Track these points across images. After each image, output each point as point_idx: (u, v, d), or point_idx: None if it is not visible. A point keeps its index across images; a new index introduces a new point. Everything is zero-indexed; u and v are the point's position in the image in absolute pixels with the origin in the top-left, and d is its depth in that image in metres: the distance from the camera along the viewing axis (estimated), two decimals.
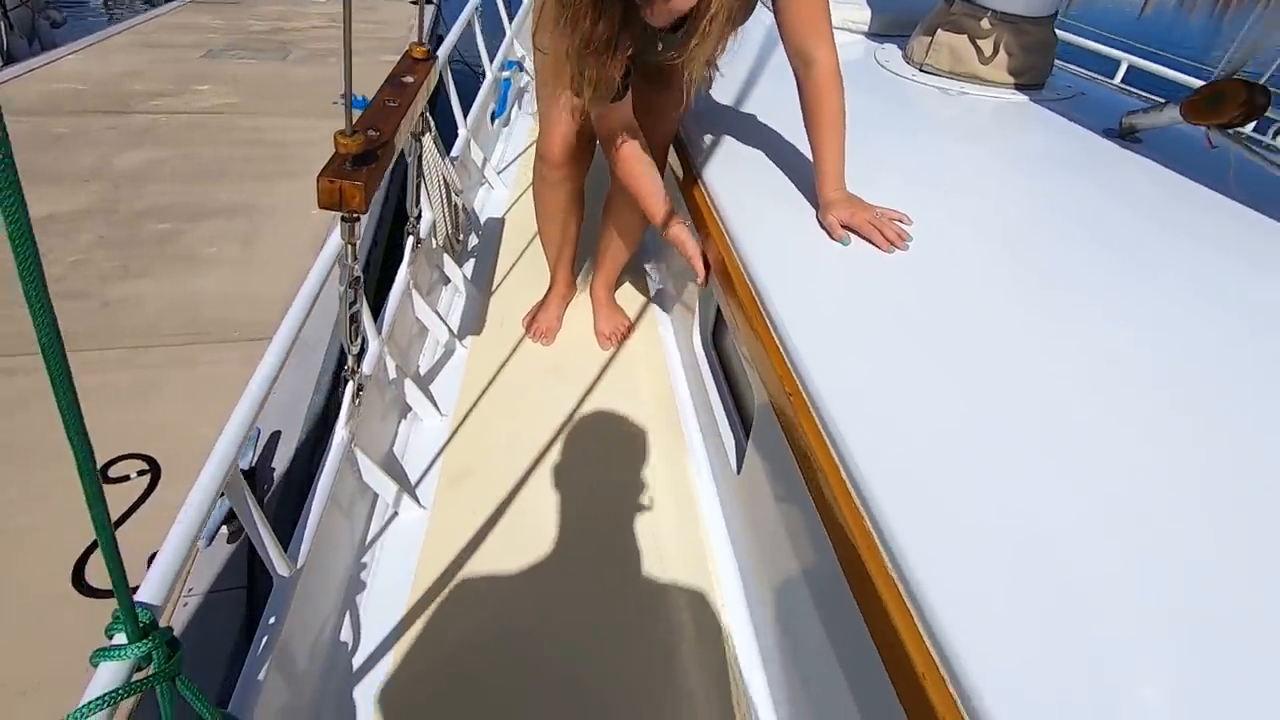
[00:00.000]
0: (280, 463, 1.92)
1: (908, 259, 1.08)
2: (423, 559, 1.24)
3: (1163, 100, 1.55)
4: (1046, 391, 0.83)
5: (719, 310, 1.48)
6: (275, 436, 2.01)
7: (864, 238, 1.13)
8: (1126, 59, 2.66)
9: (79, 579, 1.56)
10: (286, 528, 1.60)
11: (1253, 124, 1.47)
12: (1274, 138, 1.92)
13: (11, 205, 0.34)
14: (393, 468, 1.41)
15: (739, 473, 1.24)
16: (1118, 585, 0.60)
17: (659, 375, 1.68)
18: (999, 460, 0.73)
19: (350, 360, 1.18)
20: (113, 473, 1.84)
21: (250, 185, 3.50)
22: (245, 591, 1.59)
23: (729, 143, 1.49)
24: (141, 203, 3.22)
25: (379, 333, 1.40)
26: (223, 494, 0.84)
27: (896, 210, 1.17)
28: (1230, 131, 1.42)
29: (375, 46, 6.02)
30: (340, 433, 1.19)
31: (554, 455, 1.46)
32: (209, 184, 3.48)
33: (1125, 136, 1.57)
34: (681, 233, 1.30)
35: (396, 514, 1.32)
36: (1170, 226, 1.23)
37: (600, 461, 1.45)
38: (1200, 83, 1.49)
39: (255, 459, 1.88)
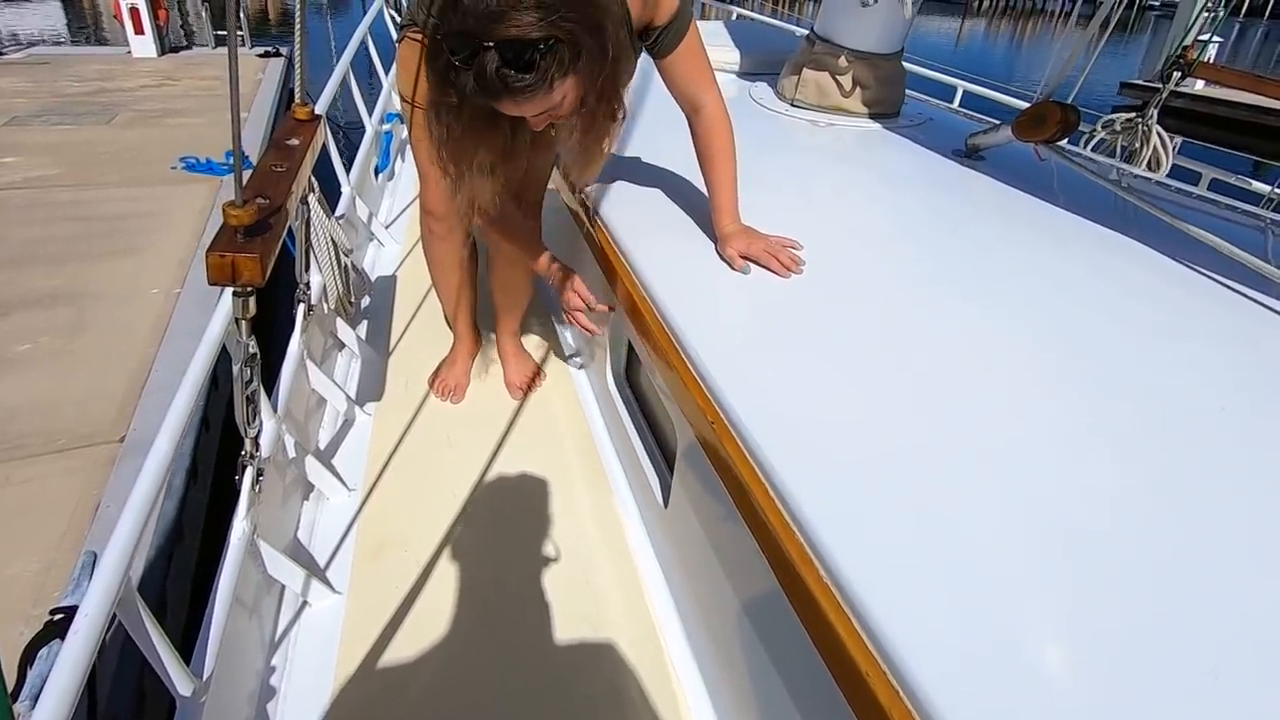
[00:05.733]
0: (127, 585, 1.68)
1: (802, 278, 1.17)
2: (343, 647, 1.14)
3: (997, 122, 1.76)
4: (942, 381, 0.93)
5: (630, 346, 1.49)
6: None
7: (762, 266, 1.18)
8: (962, 85, 3.00)
9: None
10: (134, 669, 1.37)
11: (1067, 138, 1.70)
12: (1085, 147, 2.22)
13: None
14: (300, 554, 1.29)
15: (666, 507, 1.24)
16: (1034, 568, 0.66)
17: (576, 419, 1.65)
18: (913, 455, 0.79)
19: (248, 445, 1.07)
20: None
21: (74, 268, 3.08)
22: None
23: (626, 181, 1.52)
24: None
25: (274, 410, 1.29)
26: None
27: (788, 237, 1.24)
28: (1053, 145, 1.62)
29: (216, 105, 5.66)
30: (240, 525, 1.07)
31: (474, 515, 1.39)
32: (20, 270, 3.03)
33: (970, 155, 1.75)
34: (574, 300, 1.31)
35: (308, 604, 1.21)
36: (1013, 228, 1.42)
37: (524, 514, 1.41)
38: (1024, 104, 1.69)
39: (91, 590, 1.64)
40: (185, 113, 5.46)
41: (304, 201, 1.41)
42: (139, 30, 6.90)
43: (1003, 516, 0.72)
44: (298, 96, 1.26)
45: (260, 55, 7.25)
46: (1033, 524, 0.71)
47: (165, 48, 7.31)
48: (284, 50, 7.35)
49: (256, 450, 1.10)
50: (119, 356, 2.54)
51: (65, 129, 4.94)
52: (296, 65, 1.26)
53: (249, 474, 1.09)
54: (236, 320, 0.96)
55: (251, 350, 1.00)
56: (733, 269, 1.20)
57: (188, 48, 7.79)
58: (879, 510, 0.72)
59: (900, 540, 0.69)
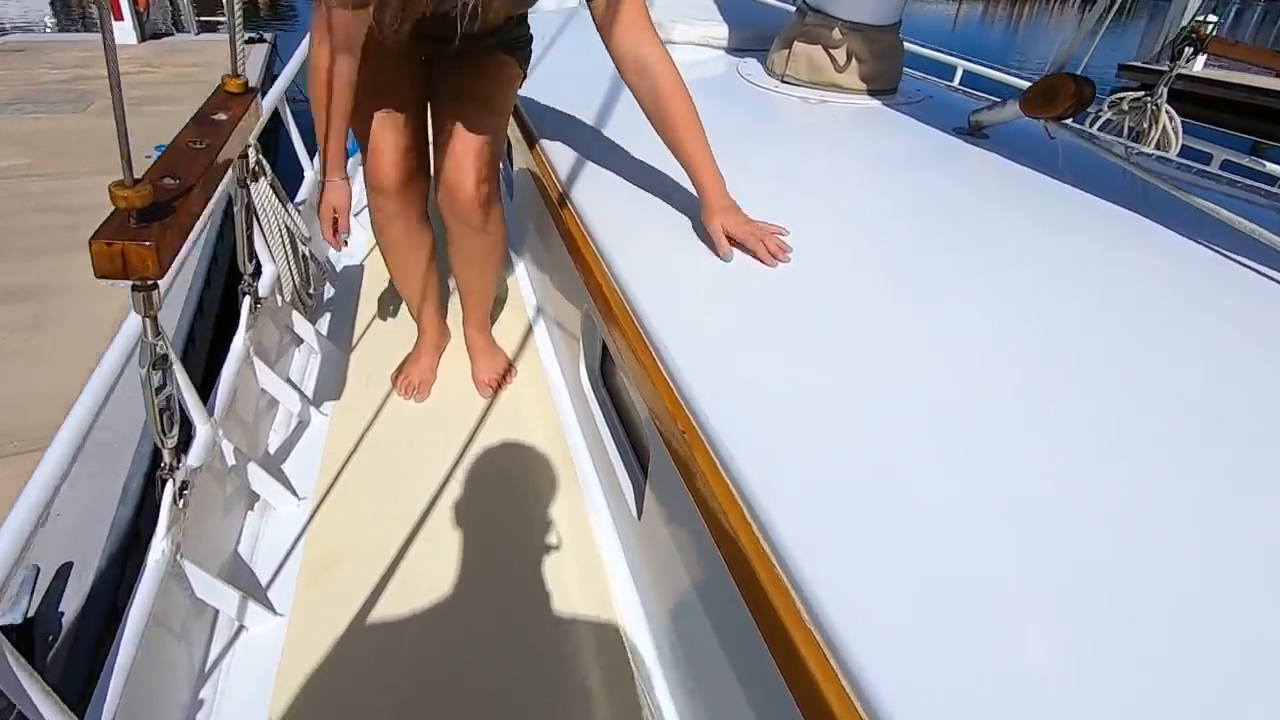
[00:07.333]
0: (73, 603, 1.57)
1: (788, 270, 1.06)
2: (280, 676, 1.04)
3: (1001, 99, 1.63)
4: (929, 381, 0.83)
5: (605, 344, 1.38)
6: (65, 570, 1.65)
7: (748, 250, 1.08)
8: (961, 64, 2.87)
9: None
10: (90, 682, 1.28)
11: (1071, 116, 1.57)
12: (1091, 126, 2.10)
13: None
14: (239, 572, 1.18)
15: (639, 519, 1.14)
16: (1020, 581, 0.59)
17: (548, 419, 1.54)
18: (912, 475, 0.70)
19: (166, 456, 0.96)
20: None
21: (40, 261, 2.96)
22: None
23: (601, 163, 1.41)
24: None
25: (210, 415, 1.17)
26: None
27: (775, 224, 1.13)
28: (1064, 122, 1.51)
29: (197, 91, 5.51)
30: (159, 546, 0.96)
31: (436, 524, 1.28)
32: None
33: (973, 133, 1.63)
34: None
35: (245, 628, 1.10)
36: (1017, 212, 1.30)
37: (489, 525, 1.30)
38: (1029, 84, 1.57)
39: (32, 607, 1.52)
40: (165, 100, 5.31)
41: (243, 184, 1.29)
42: (118, 16, 6.73)
43: (1005, 542, 0.63)
44: (230, 66, 1.14)
45: (245, 42, 7.08)
46: (1036, 549, 0.62)
47: (146, 34, 7.14)
48: (267, 36, 7.20)
49: (178, 462, 0.98)
50: (83, 354, 2.42)
51: (39, 118, 4.80)
52: (231, 31, 1.14)
53: (169, 489, 0.97)
54: (142, 318, 0.84)
55: (160, 351, 0.88)
56: (716, 249, 1.09)
57: (170, 34, 7.62)
58: (867, 540, 0.63)
59: (897, 580, 0.59)
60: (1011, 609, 0.57)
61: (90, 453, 2.17)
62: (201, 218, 1.28)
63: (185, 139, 0.95)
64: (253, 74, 6.00)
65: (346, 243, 1.35)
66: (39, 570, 1.69)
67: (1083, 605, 0.57)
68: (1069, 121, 1.53)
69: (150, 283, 0.80)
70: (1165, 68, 3.00)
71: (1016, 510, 0.66)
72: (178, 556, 0.99)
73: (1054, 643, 0.54)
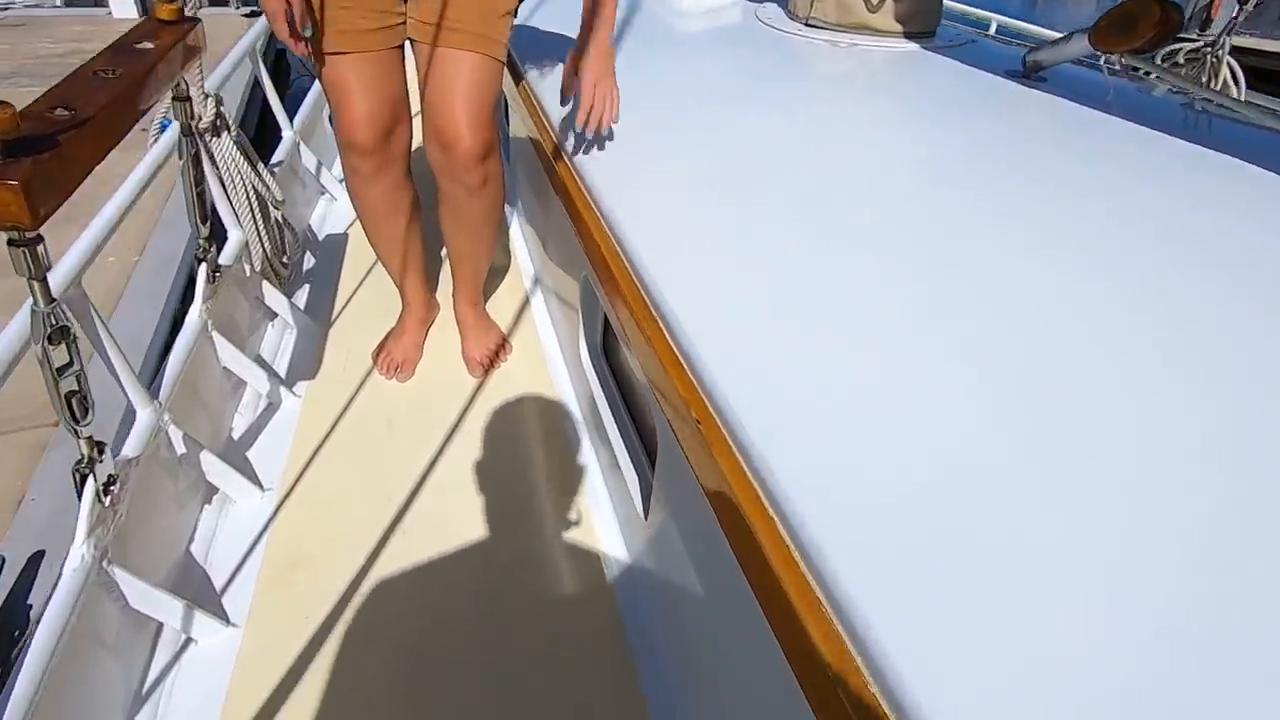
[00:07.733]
0: (42, 594, 1.46)
1: (821, 232, 0.89)
2: (232, 695, 0.91)
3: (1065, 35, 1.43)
4: (993, 361, 0.67)
5: (606, 317, 1.22)
6: (36, 559, 1.54)
7: (577, 99, 1.09)
8: (995, 18, 2.63)
9: None
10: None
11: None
12: (1160, 61, 1.87)
13: None
14: (188, 579, 1.05)
15: (646, 517, 0.99)
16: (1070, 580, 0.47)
17: (546, 403, 1.38)
18: (968, 465, 0.56)
19: (82, 447, 0.81)
20: None
21: None
22: None
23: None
24: None
25: (153, 397, 1.03)
26: None
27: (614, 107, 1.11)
28: (1143, 58, 1.30)
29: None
30: (78, 552, 0.82)
31: (417, 519, 1.14)
32: None
33: (1030, 75, 1.43)
34: None
35: (191, 641, 0.96)
36: (1089, 165, 1.11)
37: (479, 520, 1.15)
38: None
39: None
40: None
41: (189, 133, 1.13)
42: None
43: (1078, 584, 0.48)
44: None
45: (246, 15, 6.91)
46: (1126, 592, 0.47)
47: (147, 7, 6.98)
48: None
49: (99, 454, 0.84)
50: None
51: (36, 91, 4.66)
52: None
53: (89, 486, 0.83)
54: (27, 281, 0.69)
55: (58, 323, 0.73)
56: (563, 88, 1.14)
57: None
58: (917, 552, 0.49)
59: (948, 600, 0.47)
60: (1070, 620, 0.45)
61: (66, 434, 2.07)
62: (140, 173, 1.14)
63: (91, 68, 0.80)
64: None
65: (309, 42, 1.09)
66: (4, 560, 1.58)
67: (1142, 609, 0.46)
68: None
69: (29, 234, 0.65)
70: (1195, 38, 2.79)
71: (1103, 527, 0.51)
72: (104, 563, 0.85)
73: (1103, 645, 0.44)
